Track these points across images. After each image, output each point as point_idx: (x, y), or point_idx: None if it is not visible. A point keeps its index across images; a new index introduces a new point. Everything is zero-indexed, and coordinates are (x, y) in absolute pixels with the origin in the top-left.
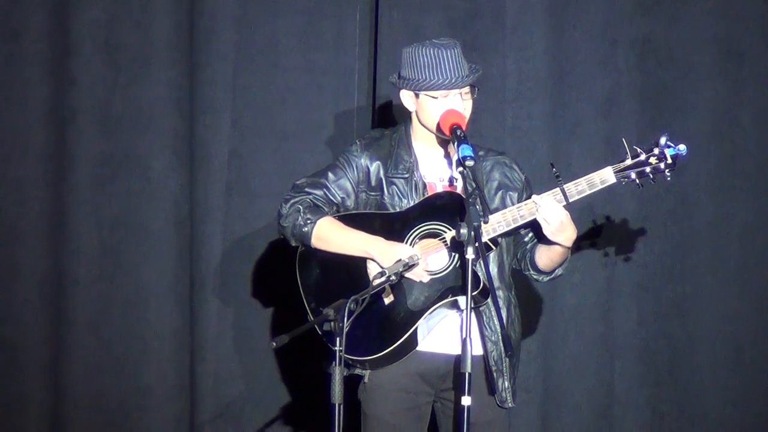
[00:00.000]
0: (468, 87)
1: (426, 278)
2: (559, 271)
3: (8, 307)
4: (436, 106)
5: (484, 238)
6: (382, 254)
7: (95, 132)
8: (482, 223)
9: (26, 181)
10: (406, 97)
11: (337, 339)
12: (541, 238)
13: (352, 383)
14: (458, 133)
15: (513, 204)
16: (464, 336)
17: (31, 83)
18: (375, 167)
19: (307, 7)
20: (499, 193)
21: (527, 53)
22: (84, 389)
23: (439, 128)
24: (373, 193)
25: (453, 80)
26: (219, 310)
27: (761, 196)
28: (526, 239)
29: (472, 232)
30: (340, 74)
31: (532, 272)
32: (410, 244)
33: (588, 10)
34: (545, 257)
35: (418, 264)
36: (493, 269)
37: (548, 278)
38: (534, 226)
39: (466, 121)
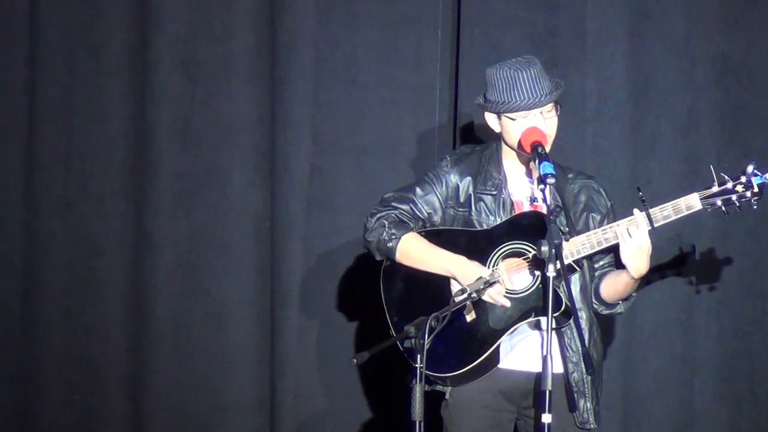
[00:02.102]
0: (550, 105)
1: (507, 303)
2: (619, 308)
3: (90, 322)
4: (516, 127)
5: (568, 260)
6: (463, 274)
7: (176, 147)
8: (563, 241)
9: (107, 196)
10: (491, 119)
11: (418, 356)
12: (618, 263)
13: (434, 400)
14: (539, 151)
15: (595, 226)
16: (544, 354)
17: (112, 99)
18: (465, 183)
19: (388, 23)
20: (584, 214)
21: (607, 71)
22: (164, 404)
23: (520, 146)
24: (461, 210)
25: (529, 101)
26: (299, 326)
27: None
28: (597, 266)
29: (553, 250)
30: (421, 90)
31: (594, 301)
32: (494, 263)
33: (668, 27)
34: (611, 287)
35: (499, 282)
36: (576, 289)
37: (607, 311)
38: (614, 252)
39: (551, 138)
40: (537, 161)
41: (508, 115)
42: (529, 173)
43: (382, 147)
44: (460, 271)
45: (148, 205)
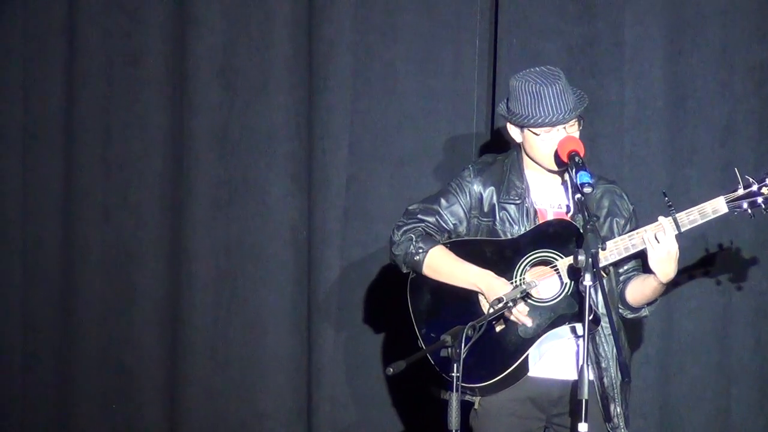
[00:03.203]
0: (573, 120)
1: (528, 322)
2: (644, 312)
3: (127, 330)
4: (538, 141)
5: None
6: (489, 289)
7: (213, 156)
8: (600, 249)
9: (145, 204)
10: (513, 130)
11: (454, 365)
12: (645, 267)
13: (463, 410)
14: (576, 160)
15: (619, 231)
16: (581, 363)
17: (149, 108)
18: (488, 193)
19: (425, 32)
20: (608, 220)
21: (645, 80)
22: (201, 413)
23: (556, 155)
24: (485, 219)
25: (553, 117)
26: (336, 335)
27: None
28: (621, 270)
29: (590, 259)
30: (458, 100)
31: (619, 305)
32: (521, 271)
33: (705, 36)
34: (638, 290)
35: (534, 290)
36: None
37: (632, 315)
38: (640, 257)
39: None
40: (575, 170)
41: (531, 129)
42: (562, 183)
43: (419, 156)
44: (487, 286)
45: (186, 214)
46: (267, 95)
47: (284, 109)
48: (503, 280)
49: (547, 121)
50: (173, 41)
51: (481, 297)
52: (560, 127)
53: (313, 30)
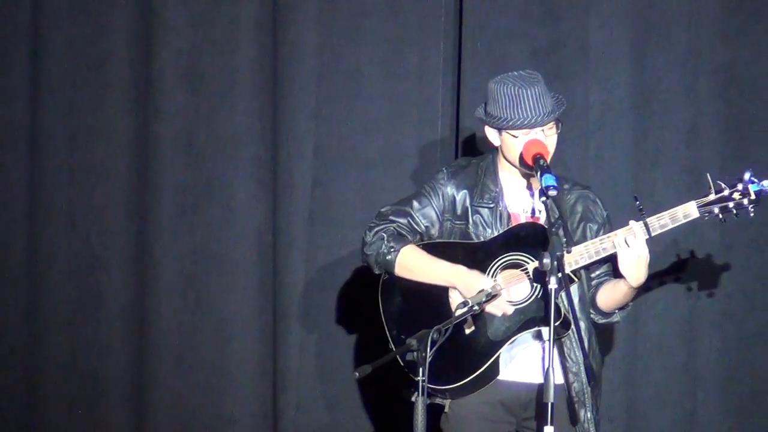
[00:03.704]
0: (551, 122)
1: (510, 310)
2: (616, 317)
3: (93, 335)
4: (517, 144)
5: (567, 270)
6: (465, 284)
7: (179, 161)
8: (565, 253)
9: (110, 209)
10: (491, 133)
11: (420, 369)
12: (616, 272)
13: (434, 413)
14: (541, 163)
15: (592, 236)
16: (546, 366)
17: (114, 113)
18: (461, 196)
19: (390, 36)
20: (581, 225)
21: (610, 83)
22: (167, 417)
23: (521, 159)
24: (458, 222)
25: (532, 119)
26: (302, 340)
27: None
28: (593, 275)
29: (555, 262)
30: (423, 104)
31: (590, 310)
32: (493, 275)
33: (670, 39)
34: (609, 295)
35: (500, 294)
36: (575, 300)
37: (604, 320)
38: (611, 261)
39: (550, 154)
40: (539, 173)
41: (510, 131)
42: (529, 186)
43: (384, 160)
44: (462, 281)
45: (151, 219)
46: (232, 99)
47: (249, 114)
48: (477, 273)
49: (525, 123)
50: (138, 46)
51: (451, 298)
52: (538, 129)
53: (277, 34)
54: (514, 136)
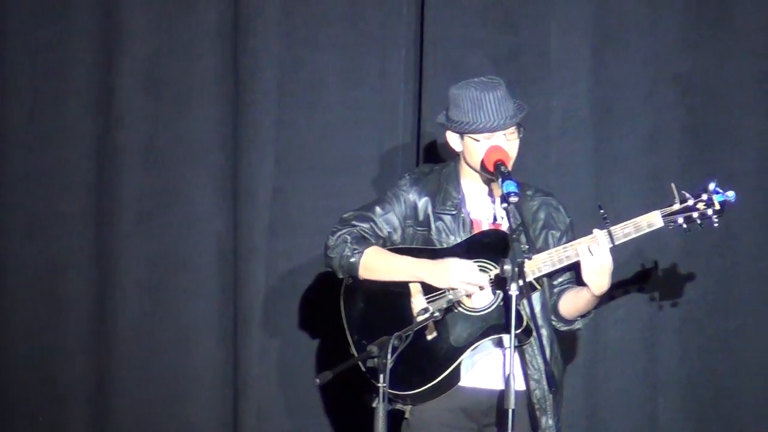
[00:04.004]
0: (513, 127)
1: (485, 282)
2: (578, 324)
3: (54, 341)
4: (479, 148)
5: (530, 278)
6: (432, 274)
7: (139, 167)
8: (525, 259)
9: (71, 216)
10: (453, 138)
11: (381, 375)
12: (579, 280)
13: (395, 419)
14: (502, 169)
15: (554, 243)
16: (507, 373)
17: (76, 119)
18: (423, 203)
19: (351, 44)
20: (544, 232)
21: (571, 90)
22: (127, 424)
23: (483, 165)
24: (420, 229)
25: (494, 123)
26: (262, 347)
27: None
28: (555, 282)
29: (516, 269)
30: (384, 111)
31: (552, 317)
32: None
33: (631, 46)
34: (571, 303)
35: (462, 299)
36: (537, 307)
37: (566, 328)
38: (574, 269)
39: (512, 159)
40: (500, 180)
41: (472, 135)
42: (490, 192)
43: (345, 167)
44: (429, 272)
45: (112, 225)
46: (193, 107)
47: (210, 121)
48: (443, 261)
49: (488, 126)
50: (99, 53)
51: (413, 304)
52: (500, 133)
53: (238, 42)
54: (476, 140)
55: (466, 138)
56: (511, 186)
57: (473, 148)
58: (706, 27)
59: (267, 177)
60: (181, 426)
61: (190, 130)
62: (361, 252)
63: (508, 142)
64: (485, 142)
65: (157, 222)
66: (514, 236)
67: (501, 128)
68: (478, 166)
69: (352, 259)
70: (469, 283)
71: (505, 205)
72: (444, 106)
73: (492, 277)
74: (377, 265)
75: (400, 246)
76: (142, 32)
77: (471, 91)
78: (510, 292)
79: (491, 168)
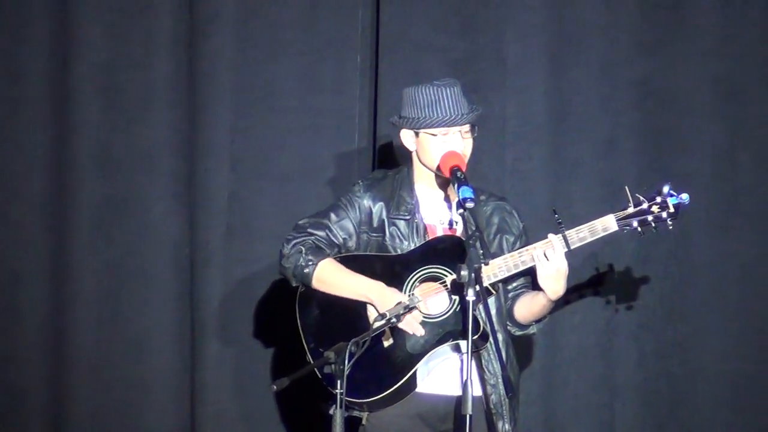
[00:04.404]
0: (468, 126)
1: (420, 332)
2: (532, 329)
3: (10, 349)
4: (435, 144)
5: (486, 283)
6: (381, 300)
7: (96, 175)
8: (482, 265)
9: (27, 224)
10: (407, 137)
11: (338, 382)
12: (534, 284)
13: (352, 425)
14: (458, 175)
15: (509, 248)
16: (465, 378)
17: (32, 126)
18: (378, 208)
19: (307, 49)
20: (498, 236)
21: (527, 95)
22: None
23: (439, 170)
24: (374, 235)
25: (452, 117)
26: (219, 353)
27: (761, 237)
28: (510, 287)
29: (473, 274)
30: (340, 116)
31: (507, 321)
32: (411, 288)
33: (587, 51)
34: (526, 308)
35: (417, 306)
36: (492, 312)
37: (520, 332)
38: (529, 274)
39: (467, 161)
40: (456, 185)
41: (428, 131)
42: (446, 198)
43: (301, 173)
44: (378, 296)
45: (68, 233)
46: (149, 113)
47: (166, 127)
48: (393, 289)
49: (445, 120)
50: (55, 60)
51: (368, 311)
52: (456, 130)
53: (194, 47)
54: (432, 134)
55: (422, 135)
56: (467, 192)
57: (429, 146)
58: (661, 31)
59: (223, 183)
60: None
61: (146, 137)
62: (316, 264)
63: (463, 140)
64: (441, 138)
65: (114, 229)
66: (470, 242)
67: (458, 123)
68: (432, 165)
69: (306, 270)
70: (407, 323)
71: (461, 210)
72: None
73: (447, 283)
74: (330, 279)
75: (355, 253)
76: (96, 39)
77: (428, 87)
78: (467, 298)
79: (447, 174)
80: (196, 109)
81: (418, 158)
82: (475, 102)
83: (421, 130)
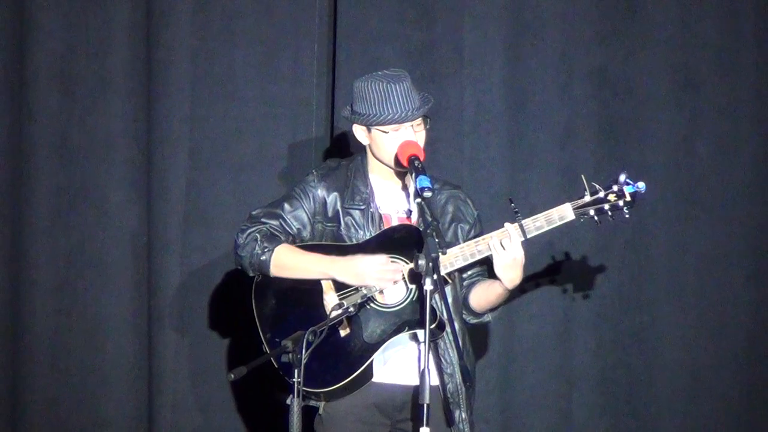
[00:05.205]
0: (420, 119)
1: (399, 276)
2: (487, 317)
3: None
4: (387, 140)
5: (443, 273)
6: (345, 272)
7: (52, 163)
8: (440, 254)
9: None
10: (359, 131)
11: (296, 371)
12: (490, 273)
13: (309, 414)
14: (416, 164)
15: (464, 236)
16: (422, 367)
17: None
18: (332, 198)
19: (265, 38)
20: (453, 225)
21: (485, 84)
22: (41, 421)
23: (397, 159)
24: (329, 224)
25: (402, 114)
26: (177, 342)
27: (717, 226)
28: (465, 275)
29: (430, 264)
30: (298, 105)
31: (462, 310)
32: None
33: (545, 40)
34: (482, 296)
35: (375, 295)
36: (449, 301)
37: (475, 320)
38: (485, 262)
39: (422, 143)
40: (414, 175)
41: (379, 128)
42: (404, 187)
43: (259, 162)
44: (341, 270)
45: (25, 222)
46: (106, 101)
47: (123, 116)
48: (351, 257)
49: (396, 117)
50: (11, 47)
51: (325, 301)
52: (408, 125)
53: (151, 36)
54: (383, 131)
55: (374, 131)
56: (425, 181)
57: (381, 141)
58: (618, 20)
59: (181, 171)
60: (96, 421)
61: (103, 125)
62: (272, 250)
63: (415, 134)
64: (393, 134)
65: (71, 217)
66: (428, 231)
67: (409, 119)
68: (386, 159)
69: (263, 257)
70: (382, 278)
71: (419, 200)
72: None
73: (404, 272)
74: (289, 263)
75: (309, 243)
76: (54, 26)
77: (377, 83)
78: (425, 287)
79: (405, 163)
80: (153, 98)
81: (372, 152)
82: (432, 92)
83: (372, 127)
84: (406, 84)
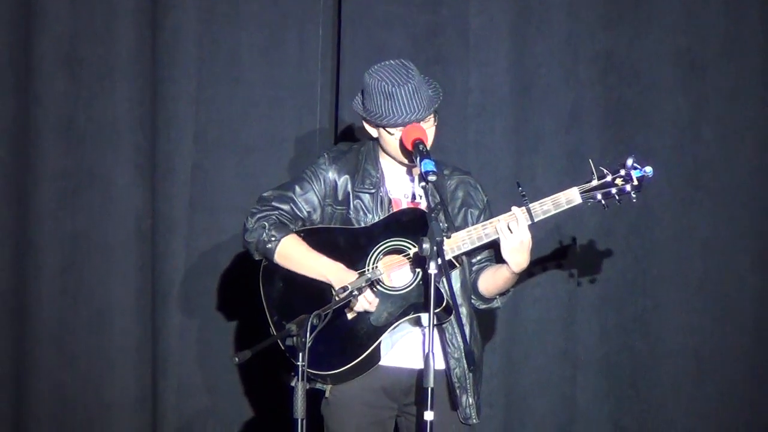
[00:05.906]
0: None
1: (372, 309)
2: (496, 302)
3: None
4: (393, 140)
5: (449, 256)
6: (339, 281)
7: (58, 147)
8: (445, 238)
9: None
10: (368, 125)
11: (300, 354)
12: (498, 258)
13: (315, 398)
14: (420, 148)
15: (473, 221)
16: (427, 351)
17: None
18: (343, 181)
19: (270, 21)
20: (462, 210)
21: (490, 68)
22: (47, 403)
23: (401, 144)
24: (339, 207)
25: (407, 116)
26: (182, 325)
27: (722, 210)
28: (474, 260)
29: (435, 247)
30: (303, 89)
31: (471, 295)
32: (375, 260)
33: (551, 24)
34: (490, 281)
35: (381, 279)
36: (456, 285)
37: (485, 306)
38: (493, 247)
39: (430, 142)
40: (418, 158)
41: (386, 129)
42: (409, 171)
43: (264, 145)
44: (336, 278)
45: (31, 205)
46: (112, 85)
47: (129, 99)
48: (353, 272)
49: (399, 121)
50: (17, 32)
51: (332, 284)
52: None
53: (157, 19)
54: (390, 132)
55: (381, 128)
56: (429, 165)
57: (387, 140)
58: (624, 4)
59: (186, 155)
60: (101, 404)
61: (109, 109)
62: (279, 240)
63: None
64: (399, 135)
65: (77, 201)
66: (433, 215)
67: (415, 121)
68: (393, 154)
69: (269, 246)
70: (360, 303)
71: (423, 184)
72: (361, 87)
73: (411, 256)
74: (292, 256)
75: (318, 226)
76: (60, 10)
77: (383, 84)
78: (429, 271)
79: (410, 147)
80: (158, 81)
81: (381, 146)
82: (438, 76)
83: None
84: (411, 85)
